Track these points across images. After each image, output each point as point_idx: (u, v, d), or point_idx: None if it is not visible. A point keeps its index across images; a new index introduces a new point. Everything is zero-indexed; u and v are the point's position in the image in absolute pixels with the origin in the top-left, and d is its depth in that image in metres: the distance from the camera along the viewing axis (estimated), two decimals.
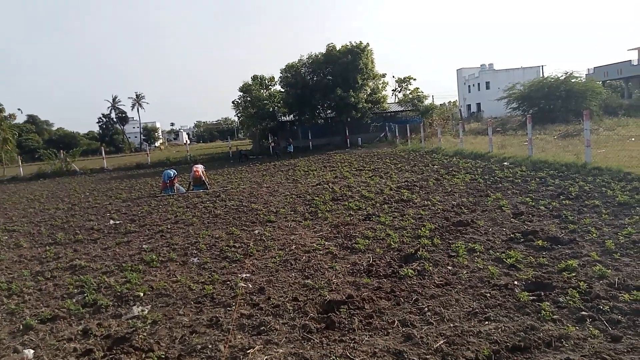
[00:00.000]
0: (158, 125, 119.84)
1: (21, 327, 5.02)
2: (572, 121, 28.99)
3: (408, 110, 40.71)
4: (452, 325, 4.13)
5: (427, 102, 40.16)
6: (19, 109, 76.17)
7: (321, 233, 8.19)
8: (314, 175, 17.90)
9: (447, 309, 4.49)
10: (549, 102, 33.94)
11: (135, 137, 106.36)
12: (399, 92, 41.82)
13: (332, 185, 13.99)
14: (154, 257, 7.33)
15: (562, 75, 35.17)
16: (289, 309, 4.81)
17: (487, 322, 4.11)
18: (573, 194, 9.18)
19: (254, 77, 39.14)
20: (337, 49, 35.20)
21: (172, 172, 16.62)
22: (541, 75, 51.40)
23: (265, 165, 25.59)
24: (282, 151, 33.33)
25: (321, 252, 6.96)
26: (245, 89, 37.97)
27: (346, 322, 4.37)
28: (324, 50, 35.84)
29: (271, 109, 37.33)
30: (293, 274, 6.04)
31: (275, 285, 5.66)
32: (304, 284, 5.58)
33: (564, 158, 13.69)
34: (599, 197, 8.67)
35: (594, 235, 6.33)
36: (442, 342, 3.81)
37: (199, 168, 16.60)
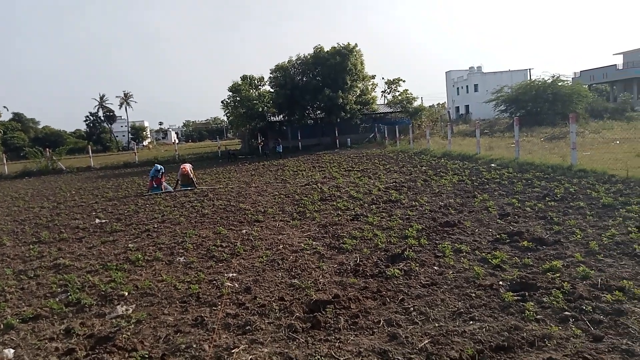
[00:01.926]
0: (146, 124, 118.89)
1: (2, 326, 4.93)
2: (558, 124, 29.37)
3: (397, 111, 40.90)
4: (437, 325, 4.15)
5: (416, 103, 40.40)
6: (4, 107, 74.89)
7: (309, 233, 8.17)
8: (303, 175, 17.88)
9: (433, 308, 4.51)
10: (537, 105, 34.36)
11: (123, 136, 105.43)
12: (389, 93, 41.90)
13: (320, 186, 13.99)
14: (139, 256, 7.25)
15: (549, 79, 35.69)
16: (275, 309, 4.79)
17: (471, 322, 4.14)
18: (558, 195, 9.28)
19: (244, 77, 39.02)
20: (326, 50, 35.29)
21: (160, 166, 16.48)
22: (529, 78, 51.96)
23: (254, 165, 25.51)
24: (271, 151, 33.26)
25: (308, 252, 6.94)
26: (234, 88, 37.83)
27: (332, 322, 4.36)
28: (312, 52, 35.93)
29: (260, 109, 37.22)
30: (280, 274, 6.02)
31: (261, 285, 5.63)
32: (291, 284, 5.57)
33: (550, 160, 13.85)
34: (583, 198, 8.78)
35: (579, 236, 6.40)
36: (426, 341, 3.82)
37: (187, 166, 16.50)
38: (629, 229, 6.46)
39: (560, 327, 3.86)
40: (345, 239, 7.32)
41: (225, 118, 46.05)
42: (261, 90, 39.53)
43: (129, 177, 23.75)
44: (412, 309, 4.54)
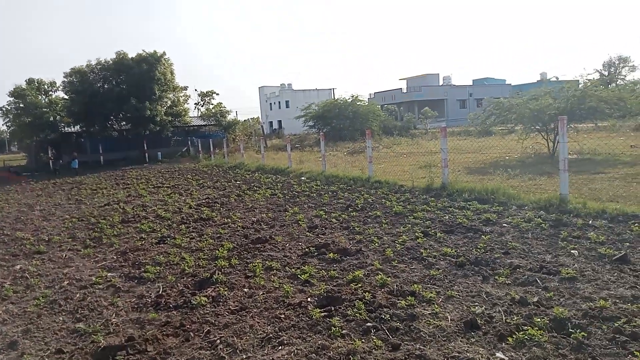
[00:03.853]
0: None
1: None
2: (358, 139, 32.52)
3: (211, 124, 40.21)
4: (244, 356, 3.84)
5: (230, 117, 40.33)
6: None
7: (104, 263, 7.11)
8: (103, 194, 15.95)
9: (241, 337, 4.19)
10: (340, 121, 37.56)
11: None
12: (202, 105, 41.06)
13: (123, 206, 12.60)
14: None
15: (349, 98, 39.38)
16: None
17: (280, 347, 3.94)
18: (359, 205, 10.00)
19: (30, 81, 33.72)
20: (130, 57, 32.78)
21: None
22: (333, 97, 56.71)
23: (43, 183, 21.90)
24: (64, 167, 29.09)
25: (101, 286, 5.98)
26: (17, 93, 32.28)
27: None
28: (114, 57, 32.99)
29: (52, 118, 32.46)
30: (61, 318, 4.99)
31: (34, 336, 4.55)
32: (75, 329, 4.63)
33: (352, 173, 15.03)
34: (379, 208, 9.62)
35: (376, 244, 6.87)
36: None
37: None
38: (416, 234, 7.21)
39: (363, 340, 3.93)
40: (148, 267, 6.54)
41: (5, 127, 38.84)
42: (53, 96, 34.61)
43: None
44: (218, 341, 4.15)
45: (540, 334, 3.69)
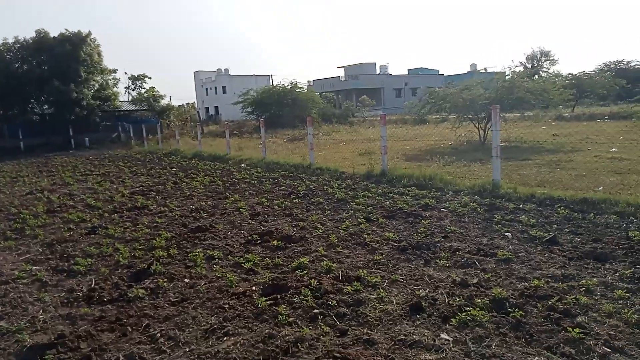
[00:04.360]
0: None
1: None
2: (297, 126, 32.40)
3: (143, 109, 38.41)
4: (187, 349, 3.67)
5: (163, 102, 38.73)
6: None
7: (28, 256, 6.55)
8: (25, 182, 14.79)
9: (183, 330, 4.01)
10: (279, 108, 37.26)
11: None
12: (133, 90, 39.05)
13: (48, 194, 11.72)
14: None
15: (288, 85, 39.08)
16: None
17: (225, 338, 3.81)
18: (301, 192, 9.94)
19: None
20: (52, 36, 30.50)
21: None
22: (271, 83, 56.03)
23: None
24: None
25: (25, 280, 5.50)
26: None
27: None
28: (34, 36, 30.55)
29: None
30: None
31: None
32: None
33: (293, 160, 14.94)
34: (322, 194, 9.62)
35: (320, 230, 6.85)
36: None
37: None
38: (359, 220, 7.28)
39: (310, 327, 3.89)
40: (78, 259, 6.11)
41: None
42: None
43: None
44: (159, 335, 3.94)
45: (481, 314, 3.83)
